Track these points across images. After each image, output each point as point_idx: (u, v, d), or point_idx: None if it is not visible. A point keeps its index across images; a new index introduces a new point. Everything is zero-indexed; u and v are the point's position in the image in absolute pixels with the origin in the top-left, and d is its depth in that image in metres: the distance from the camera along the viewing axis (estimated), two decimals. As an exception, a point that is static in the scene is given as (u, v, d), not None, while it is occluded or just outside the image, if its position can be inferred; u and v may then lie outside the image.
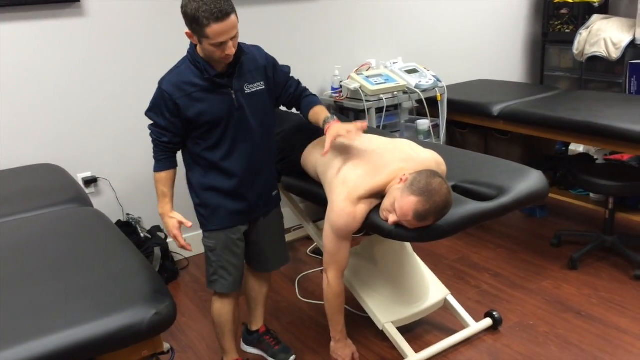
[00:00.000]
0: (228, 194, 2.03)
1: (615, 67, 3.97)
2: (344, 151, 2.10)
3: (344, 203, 1.97)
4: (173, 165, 2.00)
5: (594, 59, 4.04)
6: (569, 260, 2.99)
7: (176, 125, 1.92)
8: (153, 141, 1.98)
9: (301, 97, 2.19)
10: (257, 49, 2.04)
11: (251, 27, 3.29)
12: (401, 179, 1.88)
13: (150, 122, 1.97)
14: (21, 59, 2.72)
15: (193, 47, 1.90)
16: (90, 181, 3.00)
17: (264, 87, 2.01)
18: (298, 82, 2.20)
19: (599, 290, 2.77)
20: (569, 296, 2.75)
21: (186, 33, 1.83)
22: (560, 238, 3.25)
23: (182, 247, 2.03)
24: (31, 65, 2.75)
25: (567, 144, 4.22)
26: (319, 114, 2.12)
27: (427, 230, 1.87)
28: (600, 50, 3.95)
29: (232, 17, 1.75)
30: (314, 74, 3.60)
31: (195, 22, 1.74)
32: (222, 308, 2.20)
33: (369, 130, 2.44)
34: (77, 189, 2.41)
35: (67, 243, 1.80)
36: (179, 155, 2.05)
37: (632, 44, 3.84)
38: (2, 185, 2.43)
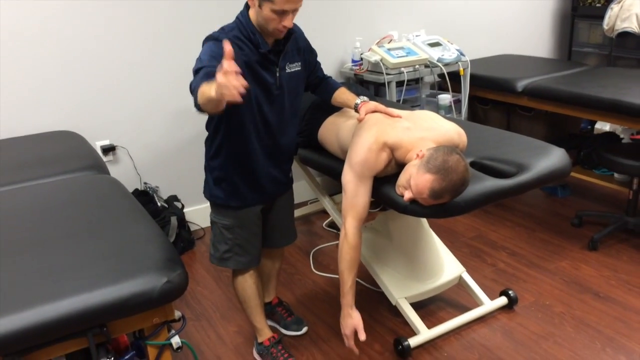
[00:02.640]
0: (253, 171, 1.98)
1: (646, 44, 3.84)
2: (372, 118, 2.05)
3: (371, 139, 1.92)
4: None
5: (625, 35, 3.90)
6: (590, 241, 2.94)
7: None
8: (205, 75, 1.63)
9: (322, 80, 2.17)
10: (298, 28, 1.99)
11: None
12: (418, 155, 1.83)
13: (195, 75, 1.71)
14: (43, 24, 2.71)
15: (246, 14, 1.81)
16: (109, 149, 3.01)
17: (300, 68, 1.97)
18: (321, 67, 2.18)
19: (619, 272, 2.72)
20: (587, 277, 2.70)
21: None
22: (582, 218, 3.19)
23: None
24: (52, 31, 2.74)
25: (593, 122, 4.12)
26: (346, 94, 2.14)
27: (443, 207, 1.83)
28: (631, 25, 3.81)
29: None
30: (334, 45, 3.54)
31: None
32: (244, 282, 2.15)
33: (388, 104, 2.40)
34: (95, 157, 2.42)
35: (82, 210, 1.81)
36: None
37: (665, 19, 3.70)
38: (21, 151, 2.45)
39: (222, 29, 1.83)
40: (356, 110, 2.10)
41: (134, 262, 1.49)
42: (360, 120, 2.03)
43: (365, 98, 2.10)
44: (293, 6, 1.71)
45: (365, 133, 1.94)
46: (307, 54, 2.02)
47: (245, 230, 2.06)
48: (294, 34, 1.90)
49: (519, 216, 3.36)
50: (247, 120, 1.88)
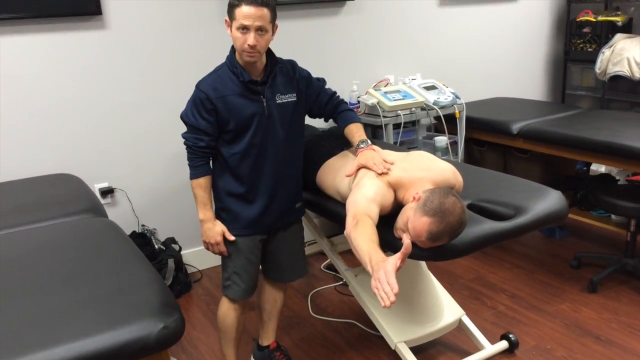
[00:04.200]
0: (251, 201, 2.06)
1: (638, 87, 3.91)
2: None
3: (375, 179, 1.93)
4: (210, 171, 2.04)
5: (617, 79, 3.98)
6: (589, 283, 2.92)
7: (213, 127, 1.96)
8: (188, 148, 2.00)
9: (337, 109, 2.23)
10: (292, 63, 2.10)
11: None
12: (414, 198, 1.84)
13: (186, 128, 2.00)
14: (42, 69, 2.76)
15: (232, 52, 1.98)
16: (107, 192, 3.02)
17: (295, 99, 2.06)
18: (333, 94, 2.24)
19: (620, 315, 2.70)
20: (588, 320, 2.67)
21: (225, 20, 1.92)
22: (580, 260, 3.18)
23: (221, 253, 2.09)
24: (51, 76, 2.79)
25: (589, 164, 4.15)
26: (354, 133, 2.18)
27: (441, 250, 1.83)
28: (623, 69, 3.89)
29: (264, 9, 1.83)
30: (332, 88, 3.58)
31: (230, 4, 1.86)
32: (227, 313, 2.21)
33: (384, 146, 2.42)
34: (92, 199, 2.43)
35: (78, 253, 1.80)
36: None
37: (656, 63, 3.77)
38: (18, 195, 2.45)
39: (215, 69, 2.01)
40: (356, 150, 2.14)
41: (130, 307, 1.47)
42: (348, 176, 2.07)
43: (369, 143, 2.14)
44: (252, 22, 1.82)
45: (366, 176, 1.97)
46: (304, 85, 2.10)
47: (241, 258, 2.12)
48: (280, 65, 2.03)
49: (518, 257, 3.35)
50: (240, 152, 2.00)
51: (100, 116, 2.94)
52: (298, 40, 3.42)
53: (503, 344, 2.46)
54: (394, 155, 2.09)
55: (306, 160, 2.38)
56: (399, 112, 3.31)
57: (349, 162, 2.19)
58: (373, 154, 2.05)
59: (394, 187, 1.95)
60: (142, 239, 3.05)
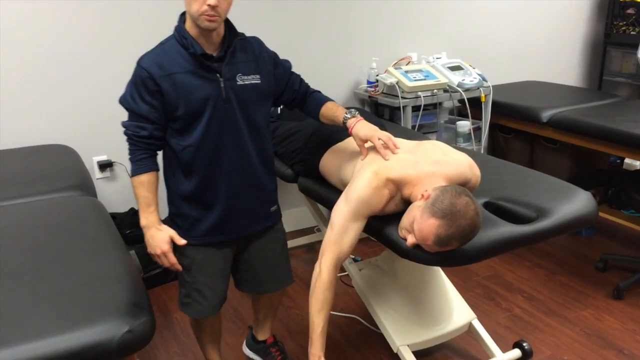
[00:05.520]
0: (210, 205, 1.75)
1: (683, 76, 3.60)
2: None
3: (372, 175, 1.70)
4: (155, 166, 1.72)
5: (661, 66, 3.67)
6: (615, 289, 2.70)
7: (158, 112, 1.64)
8: (129, 139, 1.68)
9: (306, 94, 1.93)
10: (256, 39, 1.80)
11: (287, 15, 3.09)
12: (422, 195, 1.64)
13: (127, 113, 1.68)
14: (43, 34, 2.60)
15: (181, 21, 1.67)
16: (106, 165, 2.88)
17: (259, 81, 1.74)
18: (301, 79, 1.95)
19: (646, 327, 2.48)
20: (611, 330, 2.46)
21: None
22: (607, 262, 2.95)
23: (172, 265, 1.76)
24: (53, 42, 2.63)
25: (622, 158, 3.87)
26: (334, 110, 1.88)
27: (449, 255, 1.63)
28: (668, 56, 3.57)
29: None
30: (349, 64, 3.37)
31: None
32: (199, 326, 2.02)
33: (402, 131, 2.21)
34: (83, 175, 2.28)
35: (50, 238, 1.65)
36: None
37: None
38: (7, 166, 2.32)
39: (160, 43, 1.69)
40: (345, 128, 1.86)
41: (93, 305, 1.32)
42: (364, 159, 1.82)
43: (356, 113, 1.85)
44: None
45: (365, 170, 1.74)
46: (271, 65, 1.79)
47: (204, 273, 1.82)
48: (237, 40, 1.69)
49: (539, 256, 3.13)
50: (193, 145, 1.68)
51: (102, 87, 2.78)
52: (315, 14, 3.19)
53: (515, 353, 2.27)
54: (402, 143, 1.88)
55: (310, 147, 2.19)
56: (420, 93, 3.08)
57: (355, 151, 1.97)
58: (368, 125, 1.79)
59: (397, 184, 1.72)
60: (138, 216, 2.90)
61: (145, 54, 1.65)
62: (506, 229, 1.74)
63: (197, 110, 1.64)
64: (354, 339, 2.46)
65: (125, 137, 1.69)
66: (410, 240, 1.64)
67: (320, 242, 3.27)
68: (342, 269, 2.96)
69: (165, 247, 1.72)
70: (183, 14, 1.68)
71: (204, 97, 1.64)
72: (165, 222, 1.81)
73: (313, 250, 3.25)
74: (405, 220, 1.67)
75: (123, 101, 1.67)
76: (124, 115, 1.71)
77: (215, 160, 1.72)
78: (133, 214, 2.91)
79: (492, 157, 2.38)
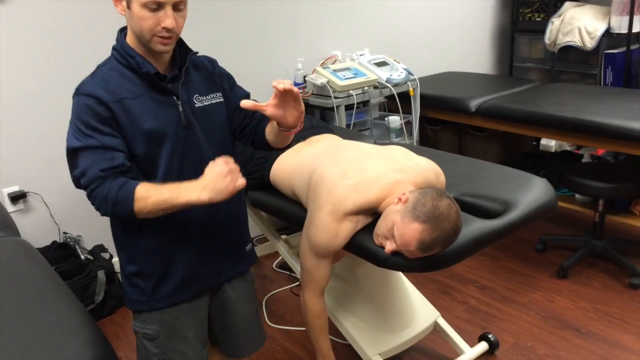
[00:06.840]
0: (179, 253, 1.46)
1: (589, 58, 3.79)
2: (332, 155, 1.80)
3: (327, 218, 1.63)
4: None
5: (567, 49, 3.84)
6: (559, 269, 2.77)
7: (122, 140, 1.33)
8: (96, 180, 1.30)
9: (262, 121, 1.55)
10: (207, 57, 1.54)
11: (204, 18, 2.90)
12: (400, 199, 1.55)
13: (75, 166, 1.33)
14: None
15: (121, 38, 1.38)
16: (18, 197, 2.55)
17: (221, 99, 1.49)
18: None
19: (595, 302, 2.55)
20: (564, 310, 2.52)
21: None
22: (546, 243, 3.03)
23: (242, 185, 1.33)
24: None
25: (538, 140, 4.03)
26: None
27: (430, 259, 1.56)
28: (574, 39, 3.75)
29: None
30: (273, 67, 3.23)
31: None
32: None
33: (343, 133, 2.12)
34: (0, 212, 2.00)
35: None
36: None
37: (607, 32, 3.65)
38: None
39: (98, 67, 1.40)
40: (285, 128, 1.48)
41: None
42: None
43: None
44: None
45: (319, 210, 1.66)
46: (227, 83, 1.54)
47: (176, 340, 1.51)
48: (191, 55, 1.44)
49: (481, 243, 3.16)
50: (160, 176, 1.38)
51: (4, 109, 2.46)
52: (232, 16, 3.03)
53: (483, 346, 2.26)
54: (369, 147, 1.80)
55: (258, 158, 2.05)
56: (351, 91, 3.01)
57: (304, 157, 1.92)
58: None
59: (360, 211, 1.65)
60: (64, 250, 2.61)
61: (82, 82, 1.36)
62: (479, 226, 1.69)
63: (156, 143, 1.36)
64: (318, 354, 2.34)
65: (83, 191, 1.32)
66: (390, 247, 1.55)
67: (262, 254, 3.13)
68: (296, 278, 2.83)
69: (225, 168, 1.29)
70: (122, 30, 1.41)
71: (162, 126, 1.36)
72: (125, 291, 1.52)
73: (257, 264, 3.08)
74: (382, 226, 1.58)
75: (72, 143, 1.31)
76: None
77: None
78: (56, 247, 2.61)
79: (442, 152, 2.35)
